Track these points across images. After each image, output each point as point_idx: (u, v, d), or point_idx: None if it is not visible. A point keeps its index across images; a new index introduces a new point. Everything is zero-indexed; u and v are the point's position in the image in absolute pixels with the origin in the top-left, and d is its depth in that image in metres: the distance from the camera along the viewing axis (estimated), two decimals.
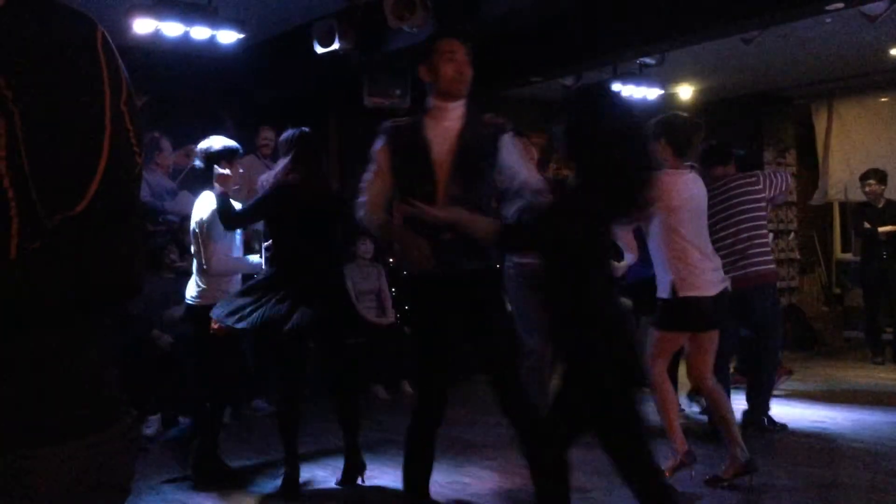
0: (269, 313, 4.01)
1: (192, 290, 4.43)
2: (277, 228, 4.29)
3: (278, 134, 6.98)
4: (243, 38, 5.97)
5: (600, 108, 2.67)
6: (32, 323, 1.05)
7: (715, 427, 4.61)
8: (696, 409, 5.75)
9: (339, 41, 6.16)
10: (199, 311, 4.32)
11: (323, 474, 4.55)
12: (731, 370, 5.63)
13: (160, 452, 5.04)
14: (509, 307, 4.35)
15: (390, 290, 7.15)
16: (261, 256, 4.61)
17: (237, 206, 4.35)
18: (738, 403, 5.62)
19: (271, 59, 7.11)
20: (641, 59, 7.60)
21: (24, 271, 1.01)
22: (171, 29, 5.63)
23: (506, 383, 3.32)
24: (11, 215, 1.01)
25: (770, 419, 5.32)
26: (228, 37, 5.87)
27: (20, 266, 1.02)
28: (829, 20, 6.51)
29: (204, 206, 4.37)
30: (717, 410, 4.28)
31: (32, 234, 1.02)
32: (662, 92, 8.38)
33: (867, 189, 7.82)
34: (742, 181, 5.10)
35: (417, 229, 3.04)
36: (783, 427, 5.30)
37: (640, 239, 4.57)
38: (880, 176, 7.86)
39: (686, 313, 4.08)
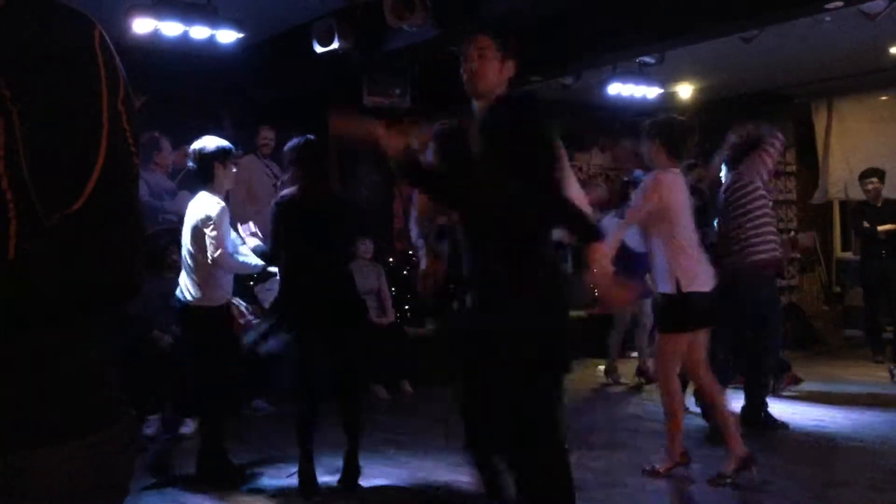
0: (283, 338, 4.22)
1: (191, 290, 4.35)
2: (285, 236, 4.32)
3: (278, 133, 7.04)
4: (243, 38, 5.97)
5: None
6: (31, 323, 1.05)
7: (714, 424, 4.62)
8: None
9: (339, 41, 6.16)
10: (200, 312, 4.32)
11: (326, 473, 4.54)
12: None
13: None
14: None
15: (390, 289, 7.16)
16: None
17: (250, 242, 4.46)
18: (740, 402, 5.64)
19: (271, 59, 7.11)
20: (641, 59, 7.60)
21: (23, 271, 1.01)
22: (171, 28, 5.63)
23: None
24: (10, 216, 1.01)
25: (770, 417, 5.32)
26: (228, 36, 5.87)
27: (19, 266, 1.01)
28: (828, 19, 6.51)
29: (208, 204, 4.32)
30: (714, 407, 4.30)
31: (31, 234, 1.02)
32: (662, 91, 8.38)
33: (870, 187, 7.81)
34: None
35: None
36: (784, 425, 5.31)
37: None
38: (881, 174, 7.85)
39: (691, 309, 4.13)
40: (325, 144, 4.63)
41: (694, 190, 5.62)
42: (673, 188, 4.16)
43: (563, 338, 2.98)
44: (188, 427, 5.33)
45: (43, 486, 1.05)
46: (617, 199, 7.11)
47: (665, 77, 8.38)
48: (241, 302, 4.92)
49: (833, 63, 8.54)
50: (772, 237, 5.32)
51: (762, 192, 5.33)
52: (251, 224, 4.65)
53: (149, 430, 5.31)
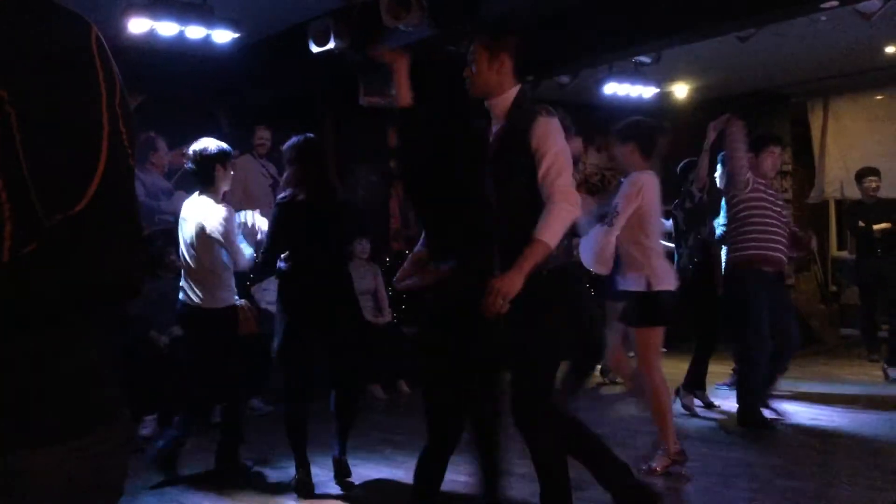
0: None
1: (196, 293, 4.31)
2: (287, 236, 4.33)
3: (274, 133, 7.04)
4: (239, 38, 5.96)
5: None
6: (30, 324, 1.05)
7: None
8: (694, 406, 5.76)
9: (335, 40, 6.16)
10: (207, 315, 4.31)
11: (321, 473, 4.54)
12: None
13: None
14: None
15: (387, 290, 7.15)
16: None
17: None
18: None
19: (267, 59, 7.10)
20: (637, 58, 7.61)
21: (20, 272, 1.01)
22: (167, 28, 5.62)
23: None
24: (4, 218, 1.00)
25: (764, 415, 5.37)
26: (224, 36, 5.87)
27: (15, 268, 1.01)
28: (824, 18, 6.53)
29: (215, 212, 4.30)
30: (657, 402, 4.35)
31: (28, 236, 1.01)
32: (658, 90, 8.39)
33: (872, 186, 7.81)
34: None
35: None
36: (778, 420, 5.38)
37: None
38: (877, 173, 7.87)
39: (660, 306, 4.25)
40: (324, 144, 4.62)
41: (684, 193, 5.66)
42: (650, 189, 4.26)
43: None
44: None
45: (41, 487, 1.05)
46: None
47: (661, 76, 8.39)
48: (247, 303, 4.92)
49: (829, 62, 8.56)
50: (761, 234, 5.37)
51: (756, 188, 5.39)
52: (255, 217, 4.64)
53: (145, 431, 5.30)
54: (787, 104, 10.24)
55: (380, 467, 4.63)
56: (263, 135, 7.11)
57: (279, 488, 4.36)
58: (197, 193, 4.44)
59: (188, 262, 4.38)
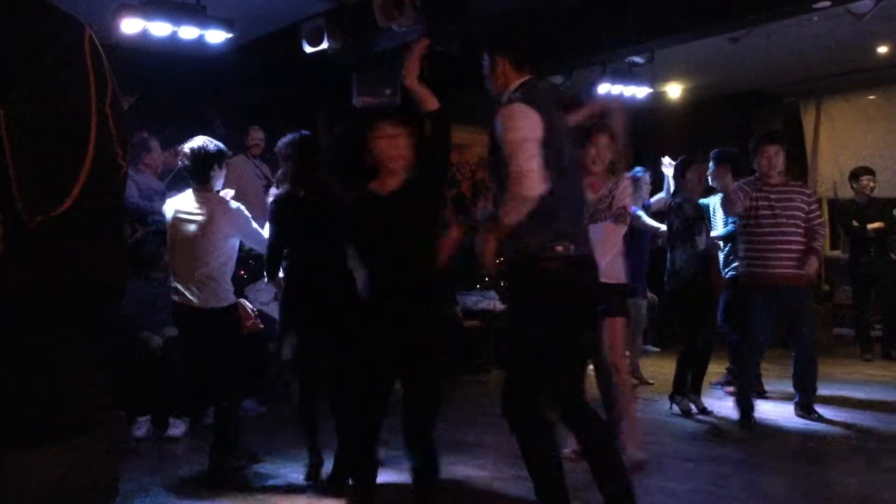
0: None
1: (196, 293, 4.25)
2: (285, 234, 4.34)
3: (268, 134, 7.03)
4: (231, 38, 5.95)
5: None
6: (15, 324, 1.04)
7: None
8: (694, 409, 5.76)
9: (328, 41, 6.16)
10: (208, 314, 4.26)
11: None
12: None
13: (149, 454, 5.02)
14: None
15: None
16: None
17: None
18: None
19: (260, 59, 7.09)
20: (630, 58, 7.62)
21: (5, 272, 1.01)
22: (159, 29, 5.60)
23: None
24: None
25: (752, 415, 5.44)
26: (217, 36, 5.85)
27: (1, 267, 1.01)
28: (816, 18, 6.54)
29: (227, 203, 4.33)
30: (624, 404, 4.45)
31: (13, 235, 1.01)
32: (651, 91, 8.40)
33: (871, 185, 7.82)
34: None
35: None
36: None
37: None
38: (873, 172, 7.90)
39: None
40: (318, 141, 4.62)
41: (674, 211, 5.61)
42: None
43: None
44: (178, 429, 5.31)
45: (35, 488, 1.05)
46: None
47: (654, 77, 8.39)
48: (248, 303, 4.91)
49: (821, 62, 8.58)
50: (762, 250, 5.38)
51: (759, 202, 5.37)
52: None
53: (139, 432, 5.28)
54: (780, 104, 10.26)
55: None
56: (257, 135, 7.11)
57: (273, 489, 4.35)
58: (190, 191, 4.39)
59: (186, 262, 4.27)
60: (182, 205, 4.38)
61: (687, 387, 5.71)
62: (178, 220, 4.35)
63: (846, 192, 9.50)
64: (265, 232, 4.45)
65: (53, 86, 1.04)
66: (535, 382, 3.17)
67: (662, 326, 8.24)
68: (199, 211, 4.31)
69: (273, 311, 6.20)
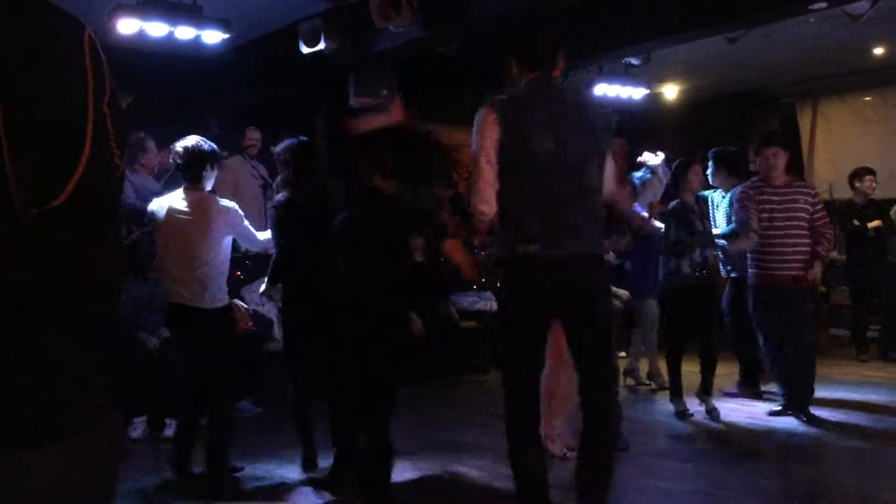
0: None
1: (193, 293, 4.19)
2: (284, 238, 4.40)
3: (264, 134, 7.02)
4: (228, 39, 5.95)
5: None
6: (12, 323, 1.04)
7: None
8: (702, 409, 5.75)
9: (325, 41, 6.15)
10: (207, 314, 4.22)
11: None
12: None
13: (145, 455, 5.01)
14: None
15: None
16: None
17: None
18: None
19: (257, 60, 7.09)
20: (627, 59, 7.63)
21: (1, 266, 1.00)
22: (156, 29, 5.60)
23: None
24: None
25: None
26: (213, 37, 5.85)
27: None
28: (812, 20, 6.56)
29: (227, 203, 4.30)
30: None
31: (9, 233, 1.01)
32: (648, 91, 8.41)
33: (873, 185, 7.83)
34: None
35: None
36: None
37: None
38: (874, 173, 7.91)
39: None
40: (316, 145, 4.65)
41: (674, 215, 5.57)
42: None
43: None
44: (171, 430, 5.28)
45: (30, 488, 1.05)
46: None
47: (651, 78, 8.41)
48: (242, 304, 4.90)
49: (818, 64, 8.60)
50: (764, 254, 5.40)
51: (762, 206, 5.38)
52: None
53: (135, 433, 5.27)
54: (777, 105, 10.28)
55: None
56: (253, 136, 7.10)
57: (271, 489, 4.35)
58: (181, 190, 4.32)
59: (182, 262, 4.21)
60: (175, 204, 4.30)
61: (682, 388, 5.67)
62: (171, 220, 4.27)
63: (842, 194, 9.50)
64: (261, 235, 4.46)
65: (51, 84, 1.04)
66: (510, 384, 3.16)
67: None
68: (193, 210, 4.25)
69: (269, 311, 6.21)
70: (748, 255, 5.55)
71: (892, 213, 7.75)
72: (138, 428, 5.32)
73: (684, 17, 6.01)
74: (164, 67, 6.62)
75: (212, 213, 4.25)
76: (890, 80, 9.15)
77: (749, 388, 6.27)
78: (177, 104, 7.01)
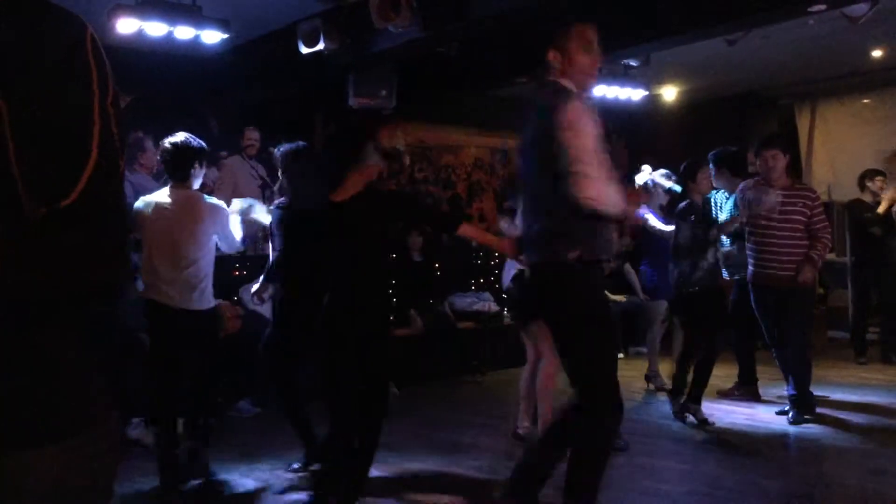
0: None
1: (181, 295, 4.14)
2: (289, 239, 4.45)
3: (263, 134, 7.02)
4: (227, 39, 5.94)
5: None
6: (15, 323, 1.03)
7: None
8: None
9: (324, 41, 6.15)
10: (195, 316, 4.18)
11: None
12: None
13: (143, 455, 5.00)
14: None
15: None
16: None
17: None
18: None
19: (256, 60, 7.08)
20: (626, 61, 7.63)
21: (5, 270, 1.00)
22: (155, 29, 5.59)
23: None
24: None
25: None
26: (213, 37, 5.84)
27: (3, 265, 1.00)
28: (811, 22, 6.56)
29: (216, 202, 4.28)
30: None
31: (14, 233, 1.01)
32: (647, 93, 8.42)
33: (883, 185, 7.85)
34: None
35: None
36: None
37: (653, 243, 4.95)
38: (883, 174, 7.94)
39: None
40: (314, 146, 4.68)
41: (684, 215, 5.54)
42: None
43: None
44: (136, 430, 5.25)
45: (30, 488, 1.04)
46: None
47: (650, 79, 8.41)
48: (227, 303, 4.90)
49: (816, 66, 8.61)
50: (760, 253, 5.46)
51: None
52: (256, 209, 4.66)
53: (133, 433, 5.26)
54: (775, 107, 10.28)
55: (373, 468, 4.61)
56: (252, 136, 7.10)
57: (269, 489, 4.35)
58: (168, 189, 4.24)
59: (170, 261, 4.13)
60: (162, 202, 4.20)
61: (686, 392, 5.63)
62: (159, 218, 4.16)
63: (841, 196, 9.53)
64: (237, 234, 4.41)
65: (55, 84, 1.04)
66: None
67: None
68: (181, 208, 4.16)
69: (266, 311, 6.20)
70: (748, 255, 5.55)
71: (894, 212, 7.76)
72: (137, 428, 5.31)
73: (683, 18, 6.01)
74: (164, 67, 6.62)
75: (201, 211, 4.18)
76: (888, 82, 9.16)
77: (747, 389, 6.28)
78: (176, 104, 7.00)
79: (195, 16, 5.72)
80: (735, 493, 4.11)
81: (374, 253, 3.68)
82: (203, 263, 4.19)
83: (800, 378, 5.48)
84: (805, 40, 7.40)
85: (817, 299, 10.09)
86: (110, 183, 1.09)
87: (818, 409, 5.64)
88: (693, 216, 5.48)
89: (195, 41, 5.82)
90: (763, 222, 5.38)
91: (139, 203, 4.29)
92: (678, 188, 5.86)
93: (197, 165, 4.23)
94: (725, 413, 5.70)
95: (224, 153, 7.22)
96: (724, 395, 6.24)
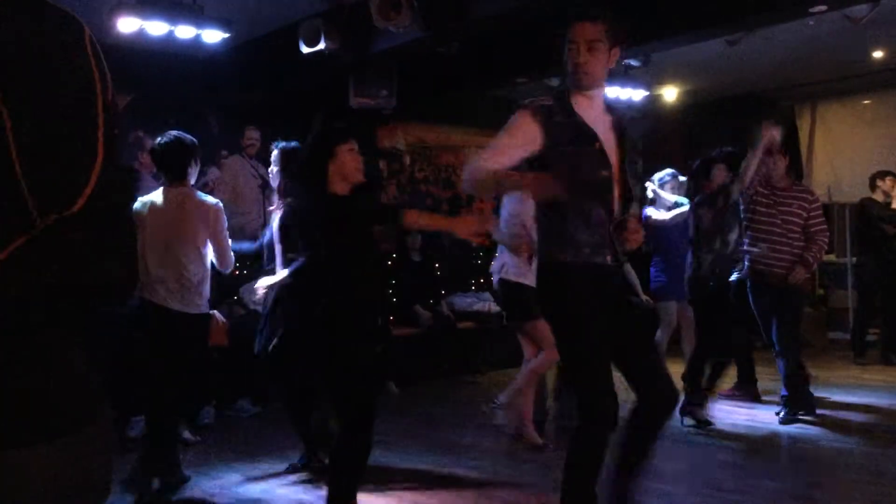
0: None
1: (180, 295, 4.10)
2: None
3: (263, 134, 7.02)
4: (228, 38, 5.94)
5: None
6: (19, 325, 1.03)
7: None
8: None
9: (325, 41, 6.15)
10: (186, 320, 4.14)
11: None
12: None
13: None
14: None
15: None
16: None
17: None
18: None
19: (257, 59, 7.08)
20: (626, 61, 7.62)
21: (12, 272, 1.00)
22: (156, 28, 5.59)
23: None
24: None
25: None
26: (213, 36, 5.84)
27: (6, 268, 1.00)
28: (812, 23, 6.56)
29: (212, 203, 4.20)
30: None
31: (19, 237, 1.00)
32: (648, 94, 8.41)
33: (894, 185, 7.87)
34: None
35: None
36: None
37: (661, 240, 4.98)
38: (893, 174, 7.96)
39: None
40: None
41: (719, 190, 5.49)
42: None
43: None
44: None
45: (22, 487, 1.04)
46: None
47: (650, 79, 8.41)
48: (220, 315, 4.87)
49: (817, 66, 8.60)
50: (759, 247, 5.42)
51: (758, 197, 5.43)
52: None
53: (133, 432, 5.27)
54: (775, 108, 10.28)
55: (370, 468, 4.61)
56: (253, 135, 7.10)
57: (268, 489, 4.35)
58: (162, 189, 4.20)
59: (170, 263, 4.10)
60: (158, 201, 4.16)
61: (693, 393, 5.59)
62: (153, 217, 4.12)
63: (841, 197, 9.53)
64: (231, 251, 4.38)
65: (59, 84, 1.03)
66: None
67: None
68: (178, 208, 4.12)
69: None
70: (744, 253, 5.53)
71: None
72: (136, 427, 5.31)
73: (684, 18, 6.02)
74: (164, 66, 6.62)
75: (194, 210, 4.13)
76: (889, 83, 9.15)
77: (747, 389, 6.28)
78: (176, 103, 7.00)
79: (196, 15, 5.72)
80: (735, 493, 4.11)
81: (356, 253, 3.67)
82: (195, 266, 4.12)
83: (790, 378, 5.49)
84: (806, 41, 7.39)
85: (818, 300, 10.13)
86: (116, 185, 1.09)
87: (819, 411, 5.64)
88: (720, 197, 5.39)
89: (196, 40, 5.81)
90: (761, 218, 5.41)
91: (137, 204, 4.26)
92: (684, 201, 5.88)
93: (193, 163, 4.19)
94: (725, 413, 5.70)
95: (224, 153, 7.23)
96: (725, 395, 6.23)
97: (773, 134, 5.27)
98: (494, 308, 7.82)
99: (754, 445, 5.04)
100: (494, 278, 5.12)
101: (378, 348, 4.28)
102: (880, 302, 8.02)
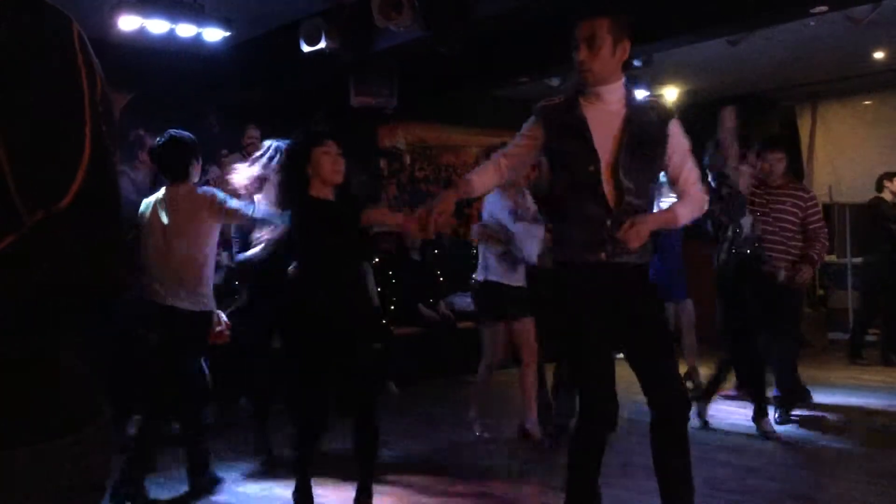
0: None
1: (183, 293, 4.08)
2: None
3: (264, 133, 7.00)
4: (229, 36, 5.94)
5: None
6: (12, 325, 1.03)
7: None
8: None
9: (326, 40, 6.15)
10: (189, 317, 4.13)
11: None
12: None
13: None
14: None
15: (376, 289, 7.13)
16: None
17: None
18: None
19: (258, 58, 7.08)
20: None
21: (3, 272, 1.00)
22: (157, 26, 5.59)
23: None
24: None
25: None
26: (214, 34, 5.84)
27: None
28: (813, 23, 6.56)
29: (212, 191, 4.17)
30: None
31: (10, 234, 1.00)
32: (648, 94, 8.40)
33: None
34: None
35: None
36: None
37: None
38: None
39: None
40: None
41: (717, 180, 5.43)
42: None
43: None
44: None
45: (26, 485, 1.04)
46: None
47: (651, 79, 8.41)
48: (223, 314, 4.86)
49: (818, 67, 8.60)
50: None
51: (753, 196, 5.39)
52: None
53: (132, 431, 5.26)
54: (776, 108, 10.28)
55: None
56: (253, 134, 7.08)
57: (267, 489, 4.35)
58: (166, 187, 4.19)
59: (179, 263, 4.09)
60: (164, 202, 4.16)
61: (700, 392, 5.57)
62: (155, 216, 4.13)
63: (841, 197, 9.53)
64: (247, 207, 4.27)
65: (45, 80, 1.02)
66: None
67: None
68: (181, 207, 4.11)
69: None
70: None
71: None
72: (135, 426, 5.30)
73: (685, 19, 6.02)
74: (165, 65, 6.62)
75: (197, 206, 4.12)
76: (890, 83, 9.15)
77: (747, 390, 6.26)
78: (177, 102, 6.99)
79: (197, 13, 5.72)
80: (735, 493, 4.11)
81: (323, 256, 3.69)
82: (197, 264, 4.11)
83: (783, 377, 5.49)
84: (807, 41, 7.39)
85: (817, 301, 10.12)
86: (105, 181, 1.08)
87: (819, 412, 5.64)
88: (722, 186, 5.29)
89: (197, 39, 5.82)
90: (759, 212, 5.37)
91: (141, 206, 4.28)
92: None
93: (194, 161, 4.18)
94: (726, 414, 5.70)
95: (225, 151, 7.21)
96: (724, 396, 6.23)
97: (725, 115, 5.25)
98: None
99: (754, 446, 5.04)
100: (479, 277, 5.15)
101: (377, 346, 4.28)
102: (883, 302, 8.02)
